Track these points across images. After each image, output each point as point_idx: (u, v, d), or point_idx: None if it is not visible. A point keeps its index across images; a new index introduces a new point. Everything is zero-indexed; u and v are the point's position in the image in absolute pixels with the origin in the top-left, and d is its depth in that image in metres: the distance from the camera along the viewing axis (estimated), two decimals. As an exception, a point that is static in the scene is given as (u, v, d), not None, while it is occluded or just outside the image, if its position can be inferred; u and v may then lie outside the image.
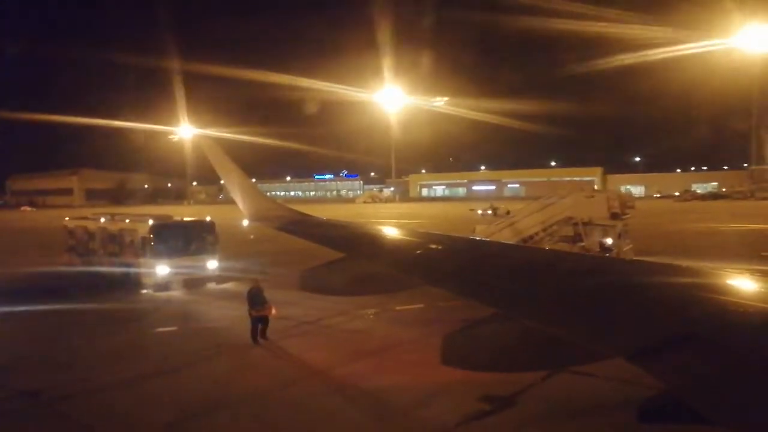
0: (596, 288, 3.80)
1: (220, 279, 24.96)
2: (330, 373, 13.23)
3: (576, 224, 24.59)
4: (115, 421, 10.97)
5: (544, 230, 24.74)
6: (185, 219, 27.06)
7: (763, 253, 29.97)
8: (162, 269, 23.49)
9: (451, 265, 5.36)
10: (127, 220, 26.74)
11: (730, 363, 2.47)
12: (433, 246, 6.24)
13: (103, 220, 28.18)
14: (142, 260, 24.08)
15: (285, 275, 26.15)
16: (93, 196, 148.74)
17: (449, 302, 17.37)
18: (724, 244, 34.90)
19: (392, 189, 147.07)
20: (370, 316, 18.29)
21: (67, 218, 31.92)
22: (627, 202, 26.28)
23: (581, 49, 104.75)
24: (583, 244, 24.05)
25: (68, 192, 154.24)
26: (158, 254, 23.62)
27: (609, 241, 24.25)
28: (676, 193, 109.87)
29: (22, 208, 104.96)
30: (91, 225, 28.76)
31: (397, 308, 18.70)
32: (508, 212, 58.78)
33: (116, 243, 26.18)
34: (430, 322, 17.24)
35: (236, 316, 19.21)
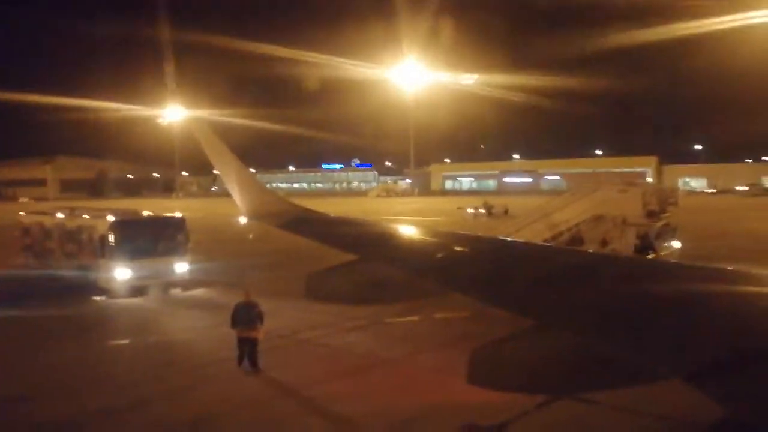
0: (646, 297, 3.83)
1: (188, 284, 25.03)
2: (293, 397, 13.19)
3: (606, 223, 24.26)
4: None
5: (568, 230, 24.42)
6: (151, 215, 27.18)
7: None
8: (122, 272, 23.61)
9: (477, 269, 5.42)
10: (86, 216, 26.92)
11: None
12: (457, 248, 6.28)
13: (60, 215, 28.44)
14: (101, 261, 24.24)
15: (268, 280, 26.50)
16: (69, 188, 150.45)
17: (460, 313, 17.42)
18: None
19: (408, 181, 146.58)
20: (352, 328, 18.18)
21: (22, 213, 32.30)
22: (668, 197, 25.91)
23: (634, 17, 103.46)
24: (613, 246, 23.67)
25: (41, 183, 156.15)
26: (119, 255, 23.75)
27: (646, 242, 23.91)
28: (739, 188, 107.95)
29: None
30: (47, 221, 29.05)
31: (387, 320, 18.59)
32: (506, 211, 58.27)
33: (74, 242, 26.41)
34: (420, 337, 17.22)
35: (201, 328, 19.39)
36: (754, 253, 30.90)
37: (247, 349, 14.29)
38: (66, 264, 27.03)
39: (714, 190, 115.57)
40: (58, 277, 27.12)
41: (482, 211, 60.22)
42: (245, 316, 14.37)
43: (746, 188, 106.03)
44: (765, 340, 2.87)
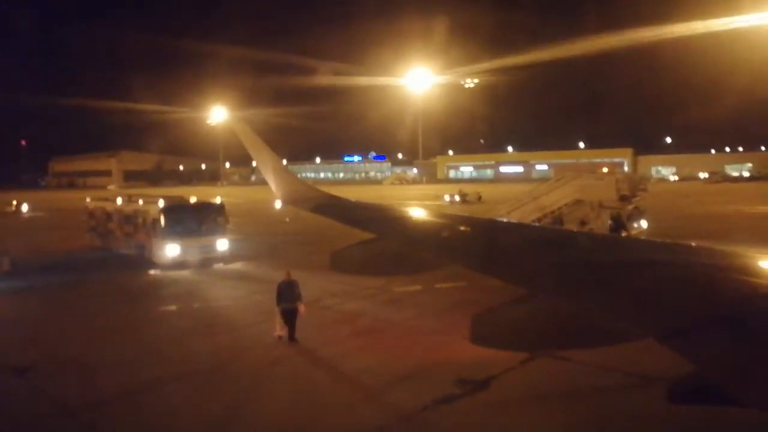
0: (620, 267, 3.88)
1: (228, 259, 25.19)
2: (316, 353, 13.22)
3: (584, 206, 24.09)
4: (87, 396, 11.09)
5: (552, 212, 24.25)
6: (195, 201, 27.30)
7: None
8: (171, 249, 23.81)
9: (477, 245, 5.50)
10: (141, 202, 27.11)
11: (760, 346, 2.48)
12: (460, 227, 6.35)
13: (119, 201, 28.71)
14: (153, 240, 24.46)
15: (298, 255, 26.58)
16: (131, 178, 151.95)
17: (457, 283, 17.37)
18: (750, 228, 33.68)
19: (415, 170, 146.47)
20: (367, 296, 18.19)
21: (88, 199, 32.60)
22: (638, 184, 25.67)
23: (614, 20, 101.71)
24: (590, 226, 23.49)
25: (107, 173, 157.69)
26: (168, 234, 23.95)
27: (618, 223, 23.71)
28: (701, 175, 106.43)
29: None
30: (108, 206, 29.37)
31: (395, 290, 18.57)
32: (479, 198, 57.47)
33: (131, 224, 26.68)
34: (423, 303, 17.20)
35: (238, 296, 19.46)
36: (714, 232, 30.50)
37: (289, 322, 13.81)
38: (124, 243, 27.34)
39: (676, 178, 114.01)
40: (118, 254, 27.49)
41: (457, 198, 58.71)
42: (287, 294, 13.87)
43: (707, 176, 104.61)
44: (722, 305, 2.90)
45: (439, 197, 61.48)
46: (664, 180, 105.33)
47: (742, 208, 46.40)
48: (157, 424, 9.94)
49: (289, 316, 13.72)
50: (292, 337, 13.69)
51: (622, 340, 3.54)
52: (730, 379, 2.40)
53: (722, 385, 2.38)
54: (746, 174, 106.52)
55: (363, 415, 10.08)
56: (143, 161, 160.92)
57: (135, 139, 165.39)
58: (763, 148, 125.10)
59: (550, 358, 11.76)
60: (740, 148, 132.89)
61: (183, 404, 10.69)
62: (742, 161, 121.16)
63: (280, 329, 13.79)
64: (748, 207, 47.53)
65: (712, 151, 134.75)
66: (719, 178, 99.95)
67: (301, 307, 13.75)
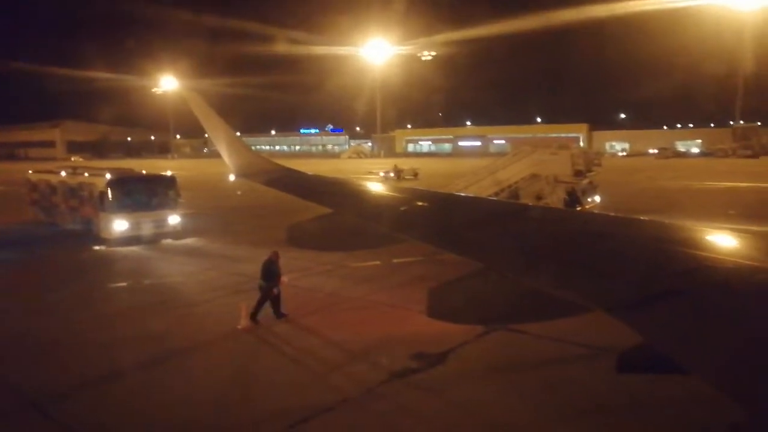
0: (572, 241, 3.97)
1: (179, 234, 24.70)
2: (271, 330, 13.16)
3: (540, 181, 24.50)
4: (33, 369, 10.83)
5: (508, 187, 24.58)
6: (145, 173, 26.57)
7: (730, 211, 30.19)
8: (120, 224, 23.19)
9: (435, 220, 5.49)
10: (86, 174, 26.24)
11: (703, 315, 2.59)
12: (417, 202, 6.31)
13: (63, 173, 27.72)
14: (100, 215, 23.75)
15: (253, 230, 26.28)
16: (75, 149, 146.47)
17: (413, 258, 17.48)
18: (697, 202, 35.00)
19: (369, 144, 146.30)
20: (323, 272, 18.17)
21: (30, 171, 31.37)
22: (593, 159, 26.21)
23: None
24: (546, 200, 23.94)
25: (50, 144, 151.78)
26: (116, 209, 23.27)
27: (573, 198, 24.22)
28: (651, 151, 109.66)
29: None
30: (53, 179, 28.32)
31: (353, 265, 18.60)
32: (416, 174, 57.26)
33: (76, 197, 25.82)
34: (380, 278, 17.30)
35: (190, 272, 19.15)
36: (663, 206, 31.59)
37: (273, 299, 13.70)
38: (70, 217, 26.49)
39: (624, 153, 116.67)
40: (63, 229, 26.65)
41: (392, 174, 57.46)
42: (270, 272, 13.70)
43: (656, 151, 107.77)
44: (669, 278, 3.00)
45: (373, 172, 60.17)
46: (613, 156, 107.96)
47: (691, 184, 48.10)
48: (106, 402, 9.77)
49: (273, 294, 13.61)
50: (276, 311, 13.67)
51: (574, 313, 3.64)
52: (675, 349, 2.49)
53: (668, 355, 2.45)
54: (695, 150, 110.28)
55: (318, 391, 10.13)
56: (89, 132, 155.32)
57: (80, 108, 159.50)
58: (712, 125, 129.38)
59: (505, 331, 12.05)
60: (691, 125, 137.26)
61: (134, 383, 10.53)
62: (693, 138, 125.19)
63: (244, 321, 13.24)
64: (697, 182, 49.30)
65: (665, 127, 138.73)
66: (670, 153, 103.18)
67: (284, 279, 13.81)
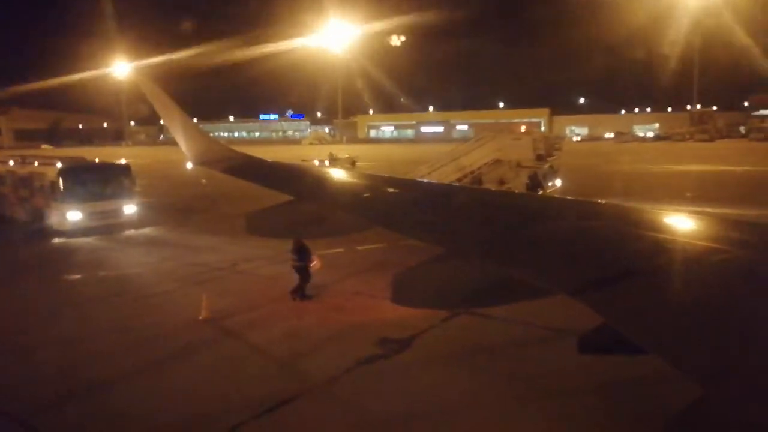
0: (533, 225, 4.02)
1: (136, 224, 24.19)
2: (232, 319, 13.03)
3: (503, 166, 24.79)
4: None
5: (471, 173, 24.79)
6: (98, 162, 25.90)
7: (687, 194, 31.17)
8: (73, 214, 22.57)
9: (398, 206, 5.49)
10: (36, 164, 25.41)
11: (661, 296, 2.65)
12: (381, 188, 6.28)
13: (11, 163, 26.81)
14: (52, 205, 23.06)
15: (212, 219, 25.93)
16: (24, 137, 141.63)
17: (377, 245, 17.47)
18: (654, 185, 35.95)
19: (327, 129, 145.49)
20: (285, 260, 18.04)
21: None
22: (554, 144, 26.63)
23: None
24: (509, 185, 24.25)
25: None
26: (68, 199, 22.63)
27: (535, 182, 24.61)
28: (607, 135, 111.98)
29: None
30: (0, 169, 27.34)
31: (316, 253, 18.51)
32: (353, 163, 56.59)
33: (27, 187, 25.01)
34: (343, 265, 17.28)
35: (148, 263, 18.79)
36: (621, 190, 32.33)
37: (300, 277, 14.07)
38: (20, 208, 25.66)
39: (579, 138, 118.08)
40: (11, 220, 25.81)
41: (326, 163, 57.31)
42: (298, 251, 13.96)
43: (613, 136, 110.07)
44: (629, 260, 3.05)
45: (307, 161, 60.13)
46: (570, 140, 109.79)
47: (649, 167, 49.34)
48: (58, 393, 9.54)
49: (303, 273, 14.12)
50: (296, 291, 14.08)
51: (536, 296, 3.69)
52: (634, 329, 2.54)
53: (627, 335, 2.50)
54: (650, 135, 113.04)
55: (283, 380, 10.11)
56: (38, 119, 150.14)
57: (27, 95, 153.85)
58: (670, 110, 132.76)
59: (469, 316, 12.22)
60: (648, 109, 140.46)
61: (93, 376, 10.31)
62: (650, 122, 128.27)
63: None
64: (655, 166, 50.59)
65: (623, 112, 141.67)
66: (629, 138, 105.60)
67: (313, 266, 14.14)
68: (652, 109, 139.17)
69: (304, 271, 14.10)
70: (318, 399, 9.44)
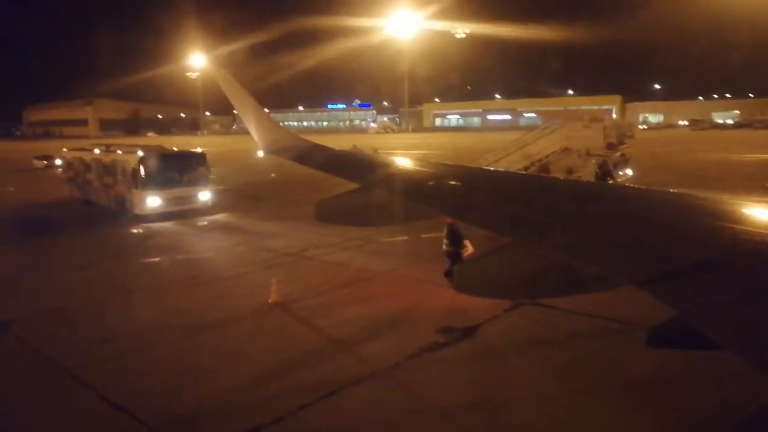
0: (603, 215, 3.89)
1: (210, 210, 25.08)
2: (299, 304, 13.30)
3: (572, 154, 24.09)
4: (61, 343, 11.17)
5: (539, 161, 24.25)
6: (176, 150, 26.95)
7: (767, 184, 29.34)
8: (152, 200, 23.62)
9: (461, 195, 5.44)
10: (119, 152, 26.69)
11: (739, 290, 2.53)
12: (446, 176, 6.29)
13: (97, 151, 28.25)
14: (133, 191, 24.20)
15: (283, 206, 26.55)
16: (107, 127, 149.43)
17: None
18: (733, 174, 34.07)
19: (386, 118, 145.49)
20: (352, 247, 18.28)
21: (64, 149, 32.03)
22: (625, 132, 25.61)
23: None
24: (578, 174, 23.55)
25: (83, 122, 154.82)
26: (148, 186, 23.69)
27: (605, 171, 23.80)
28: (681, 122, 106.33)
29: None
30: (86, 156, 28.89)
31: (381, 240, 18.67)
32: (375, 152, 54.99)
33: (110, 174, 26.32)
34: (408, 253, 17.32)
35: (222, 247, 19.46)
36: (698, 179, 30.83)
37: (452, 262, 13.62)
38: (104, 194, 27.05)
39: (645, 127, 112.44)
40: (97, 205, 27.25)
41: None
42: (451, 236, 13.84)
43: (687, 123, 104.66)
44: (702, 251, 2.93)
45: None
46: (645, 128, 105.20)
47: (728, 156, 46.79)
48: (142, 373, 10.04)
49: (453, 257, 13.61)
50: (447, 274, 13.51)
51: (603, 287, 3.58)
52: (708, 323, 2.44)
53: (700, 329, 2.40)
54: (730, 122, 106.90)
55: (346, 364, 10.23)
56: (120, 110, 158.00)
57: (112, 86, 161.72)
58: (751, 95, 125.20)
59: (533, 306, 12.00)
60: (728, 95, 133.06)
61: (167, 353, 10.79)
62: (730, 108, 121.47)
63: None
64: (734, 155, 47.93)
65: (700, 98, 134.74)
66: (706, 125, 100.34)
67: (466, 250, 13.56)
68: (732, 96, 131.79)
69: (456, 257, 13.58)
70: (380, 384, 9.50)
